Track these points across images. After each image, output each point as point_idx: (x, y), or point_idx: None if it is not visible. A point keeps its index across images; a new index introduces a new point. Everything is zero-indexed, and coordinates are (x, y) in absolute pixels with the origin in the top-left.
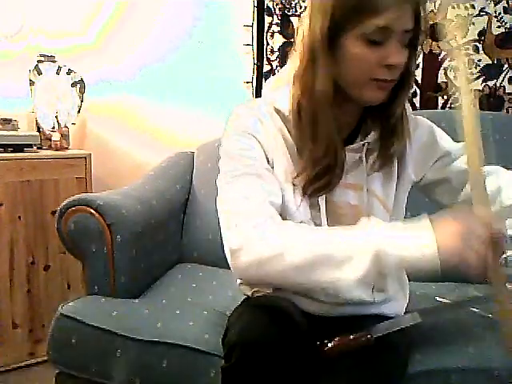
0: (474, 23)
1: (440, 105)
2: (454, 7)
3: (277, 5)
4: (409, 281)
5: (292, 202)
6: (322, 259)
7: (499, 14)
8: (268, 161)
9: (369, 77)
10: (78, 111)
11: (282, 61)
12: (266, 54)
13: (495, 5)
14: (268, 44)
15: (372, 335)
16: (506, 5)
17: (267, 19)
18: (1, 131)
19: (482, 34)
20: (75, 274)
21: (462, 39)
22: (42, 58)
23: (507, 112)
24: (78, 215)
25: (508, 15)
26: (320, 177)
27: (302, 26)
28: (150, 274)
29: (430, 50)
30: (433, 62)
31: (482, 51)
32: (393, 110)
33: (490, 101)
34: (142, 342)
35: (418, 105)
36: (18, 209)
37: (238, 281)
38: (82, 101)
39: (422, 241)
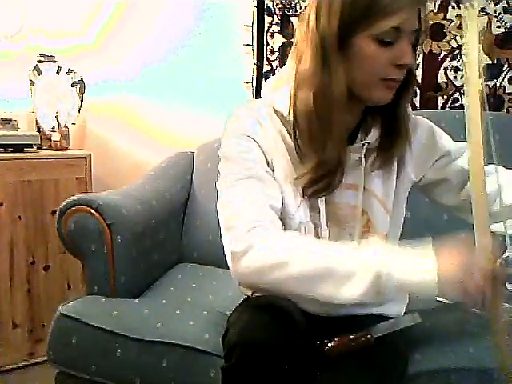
0: None
1: (440, 105)
2: (453, 7)
3: (277, 5)
4: None
5: (292, 204)
6: (325, 273)
7: (499, 14)
8: (268, 163)
9: (379, 77)
10: (78, 111)
11: (282, 61)
12: (266, 54)
13: (495, 5)
14: (268, 44)
15: (372, 335)
16: (506, 5)
17: (267, 19)
18: (1, 131)
19: (482, 34)
20: (75, 274)
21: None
22: (42, 58)
23: (507, 112)
24: (78, 215)
25: (508, 15)
26: (321, 179)
27: (304, 26)
28: (150, 274)
29: (430, 50)
30: (433, 62)
31: (482, 51)
32: (397, 110)
33: (489, 101)
34: (142, 342)
35: (417, 105)
36: (18, 209)
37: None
38: (81, 101)
39: (423, 267)
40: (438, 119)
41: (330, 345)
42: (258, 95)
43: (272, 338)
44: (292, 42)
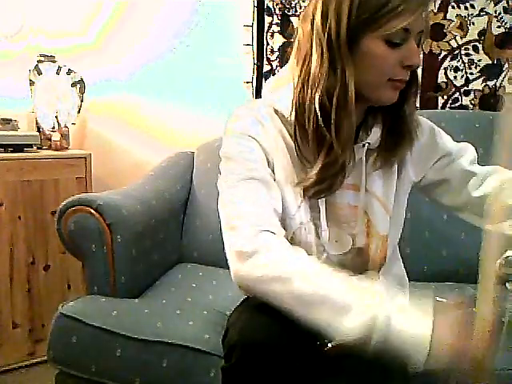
0: (474, 23)
1: (440, 105)
2: (453, 7)
3: (277, 5)
4: (409, 281)
5: (292, 204)
6: (323, 299)
7: (499, 13)
8: (268, 163)
9: (387, 77)
10: (78, 111)
11: (282, 61)
12: (266, 54)
13: (495, 5)
14: (268, 44)
15: None
16: (506, 5)
17: (267, 19)
18: (1, 131)
19: (482, 33)
20: (75, 274)
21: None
22: (42, 58)
23: None
24: (78, 215)
25: (508, 15)
26: (325, 180)
27: (308, 26)
28: (150, 274)
29: (430, 50)
30: (433, 62)
31: (481, 51)
32: (401, 110)
33: (490, 101)
34: (141, 342)
35: (418, 105)
36: (18, 209)
37: None
38: (81, 101)
39: (418, 328)
40: (438, 119)
41: (330, 345)
42: (258, 95)
43: (272, 338)
44: (292, 42)
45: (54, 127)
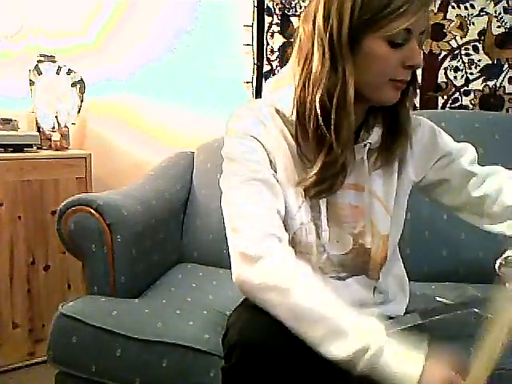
0: (474, 23)
1: (440, 105)
2: (453, 7)
3: (277, 5)
4: (409, 281)
5: (293, 204)
6: (319, 319)
7: (499, 13)
8: (271, 163)
9: (388, 78)
10: (78, 111)
11: (282, 61)
12: (266, 54)
13: (495, 5)
14: (268, 44)
15: None
16: (506, 5)
17: (267, 19)
18: (1, 131)
19: (482, 33)
20: (75, 274)
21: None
22: (42, 58)
23: (507, 112)
24: (78, 215)
25: (508, 15)
26: (326, 180)
27: (310, 26)
28: (150, 274)
29: (430, 50)
30: (433, 62)
31: (481, 51)
32: (400, 109)
33: (490, 101)
34: (141, 342)
35: (417, 105)
36: (18, 209)
37: None
38: (81, 101)
39: (408, 367)
40: (438, 119)
41: None
42: (258, 95)
43: (272, 338)
44: (292, 42)
45: (53, 127)
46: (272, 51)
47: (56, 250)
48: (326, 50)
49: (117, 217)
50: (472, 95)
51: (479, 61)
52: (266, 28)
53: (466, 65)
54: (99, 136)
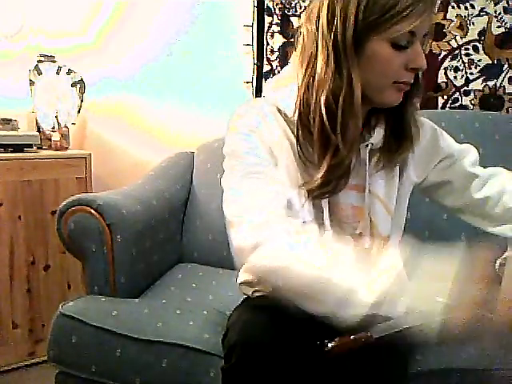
0: (473, 23)
1: (440, 105)
2: (453, 7)
3: (277, 5)
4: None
5: (296, 203)
6: (327, 287)
7: (499, 13)
8: (273, 159)
9: (392, 80)
10: (78, 111)
11: (282, 61)
12: (266, 54)
13: (495, 5)
14: (268, 44)
15: (372, 335)
16: (506, 5)
17: (267, 19)
18: (1, 131)
19: (482, 33)
20: (75, 274)
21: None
22: (42, 58)
23: (507, 112)
24: (78, 215)
25: (508, 15)
26: (330, 182)
27: (313, 27)
28: (150, 274)
29: (430, 50)
30: (433, 62)
31: (482, 51)
32: (404, 111)
33: (490, 101)
34: (141, 342)
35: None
36: (18, 209)
37: (239, 280)
38: (82, 101)
39: (430, 301)
40: (438, 119)
41: (330, 345)
42: (258, 95)
43: (272, 338)
44: (292, 42)
45: (54, 127)
46: (272, 51)
47: (56, 250)
48: (330, 51)
49: (117, 217)
50: (472, 95)
51: (479, 61)
52: (266, 28)
53: (466, 65)
54: (99, 136)
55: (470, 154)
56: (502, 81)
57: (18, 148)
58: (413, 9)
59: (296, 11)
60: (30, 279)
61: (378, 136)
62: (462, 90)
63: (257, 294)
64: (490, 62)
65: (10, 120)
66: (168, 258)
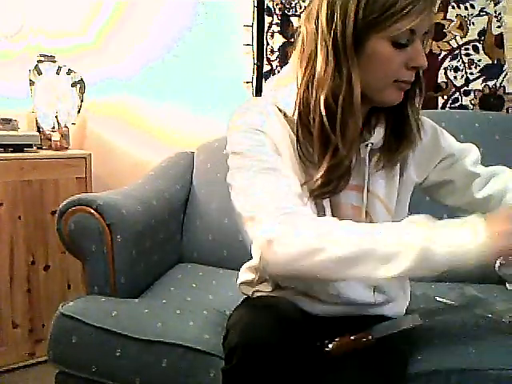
0: (473, 23)
1: (440, 105)
2: (453, 7)
3: (277, 5)
4: (409, 281)
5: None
6: (367, 253)
7: (499, 14)
8: (278, 155)
9: (393, 79)
10: (78, 111)
11: (282, 61)
12: (266, 54)
13: (495, 5)
14: (268, 44)
15: (373, 336)
16: (506, 5)
17: (267, 19)
18: (1, 131)
19: (482, 33)
20: (75, 274)
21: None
22: (42, 58)
23: (507, 112)
24: (78, 215)
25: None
26: (330, 182)
27: (312, 26)
28: (150, 274)
29: (430, 50)
30: (433, 62)
31: (482, 51)
32: (405, 110)
33: (490, 101)
34: (141, 342)
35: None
36: (18, 209)
37: (239, 281)
38: (82, 101)
39: (471, 229)
40: (438, 119)
41: (330, 345)
42: (258, 95)
43: (273, 339)
44: (292, 42)
45: (54, 127)
46: (272, 51)
47: (56, 250)
48: (330, 50)
49: (117, 217)
50: (472, 95)
51: (479, 61)
52: (266, 28)
53: (466, 65)
54: (99, 136)
55: (471, 153)
56: (502, 81)
57: (18, 148)
58: (413, 7)
59: (296, 11)
60: (30, 279)
61: (378, 136)
62: (461, 90)
63: (257, 294)
64: (490, 62)
65: (10, 120)
66: (168, 257)
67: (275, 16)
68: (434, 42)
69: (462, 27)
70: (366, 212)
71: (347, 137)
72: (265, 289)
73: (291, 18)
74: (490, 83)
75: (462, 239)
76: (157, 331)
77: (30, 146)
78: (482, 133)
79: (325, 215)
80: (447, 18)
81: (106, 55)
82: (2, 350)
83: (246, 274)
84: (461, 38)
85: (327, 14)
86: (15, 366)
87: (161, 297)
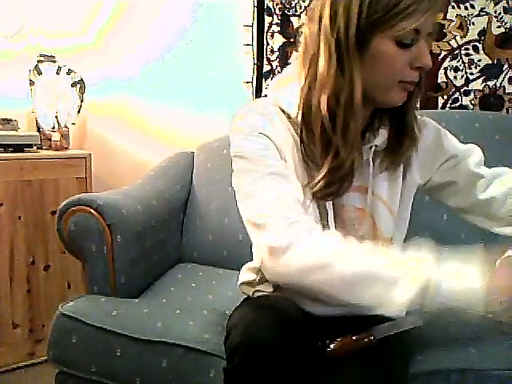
0: (474, 23)
1: (440, 105)
2: (453, 7)
3: (277, 5)
4: None
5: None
6: (369, 277)
7: (499, 13)
8: (281, 159)
9: (397, 79)
10: (78, 111)
11: (282, 61)
12: (266, 54)
13: (495, 5)
14: (268, 44)
15: (375, 336)
16: (506, 5)
17: (267, 19)
18: (1, 131)
19: (482, 33)
20: (75, 274)
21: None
22: (42, 58)
23: (507, 112)
24: (78, 215)
25: (508, 15)
26: (333, 183)
27: (315, 27)
28: (150, 274)
29: (430, 50)
30: (433, 62)
31: (482, 51)
32: (407, 111)
33: (490, 101)
34: (141, 342)
35: (417, 105)
36: (18, 209)
37: (239, 281)
38: (82, 101)
39: (472, 276)
40: (438, 119)
41: (331, 346)
42: (258, 95)
43: (275, 338)
44: (292, 42)
45: (53, 127)
46: (272, 51)
47: (56, 250)
48: (333, 51)
49: (117, 217)
50: (472, 95)
51: (479, 61)
52: (266, 28)
53: (466, 65)
54: (99, 136)
55: (474, 154)
56: (502, 81)
57: (18, 148)
58: (417, 6)
59: (296, 11)
60: (29, 279)
61: (381, 138)
62: (462, 90)
63: (257, 294)
64: (490, 61)
65: (10, 120)
66: (168, 258)
67: (275, 16)
68: (434, 42)
69: (462, 27)
70: (369, 214)
71: (348, 138)
72: (266, 289)
73: (291, 18)
74: (490, 83)
75: (465, 273)
76: (157, 331)
77: (30, 146)
78: (482, 133)
79: (327, 217)
80: (447, 18)
81: (106, 55)
82: (1, 350)
83: (246, 274)
84: (461, 37)
85: (330, 14)
86: (15, 366)
87: (161, 297)
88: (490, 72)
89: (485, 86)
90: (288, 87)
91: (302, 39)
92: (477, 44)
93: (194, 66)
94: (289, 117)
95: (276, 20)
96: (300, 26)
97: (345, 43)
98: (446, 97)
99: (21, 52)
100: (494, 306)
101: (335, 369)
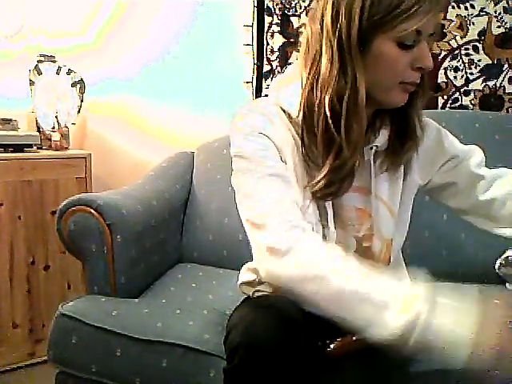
0: (474, 23)
1: (440, 105)
2: (453, 7)
3: (277, 5)
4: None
5: (301, 204)
6: (365, 297)
7: (499, 13)
8: (281, 159)
9: (398, 80)
10: (78, 111)
11: (282, 61)
12: (266, 54)
13: (495, 5)
14: (268, 44)
15: None
16: (506, 5)
17: (267, 19)
18: (1, 131)
19: (482, 33)
20: (75, 274)
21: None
22: (42, 58)
23: (507, 112)
24: (78, 215)
25: (508, 15)
26: (334, 183)
27: (317, 27)
28: (150, 274)
29: (430, 50)
30: (433, 62)
31: (482, 51)
32: (409, 111)
33: (490, 101)
34: (142, 342)
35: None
36: (18, 209)
37: (239, 281)
38: (81, 101)
39: (460, 328)
40: (438, 119)
41: (332, 346)
42: (258, 95)
43: (275, 338)
44: (292, 42)
45: (54, 127)
46: (272, 51)
47: (56, 250)
48: (335, 51)
49: (117, 217)
50: (472, 95)
51: (479, 61)
52: (266, 28)
53: (466, 65)
54: (99, 136)
55: (475, 155)
56: (502, 81)
57: (18, 148)
58: (419, 7)
59: (296, 11)
60: (29, 279)
61: (382, 138)
62: (462, 89)
63: (257, 294)
64: (490, 61)
65: (10, 120)
66: (168, 258)
67: (275, 16)
68: (434, 42)
69: (462, 27)
70: (369, 214)
71: (351, 138)
72: (266, 289)
73: (291, 18)
74: (490, 83)
75: (453, 331)
76: (157, 331)
77: (30, 146)
78: (482, 133)
79: (327, 217)
80: (447, 18)
81: (106, 55)
82: (1, 350)
83: (246, 274)
84: (461, 37)
85: (332, 13)
86: (15, 366)
87: (161, 297)
88: (490, 72)
89: (485, 86)
90: (289, 87)
91: (303, 39)
92: (477, 44)
93: (194, 66)
94: (289, 117)
95: (276, 20)
96: (300, 26)
97: (347, 43)
98: (445, 97)
99: (21, 52)
100: (482, 352)
101: (335, 369)
